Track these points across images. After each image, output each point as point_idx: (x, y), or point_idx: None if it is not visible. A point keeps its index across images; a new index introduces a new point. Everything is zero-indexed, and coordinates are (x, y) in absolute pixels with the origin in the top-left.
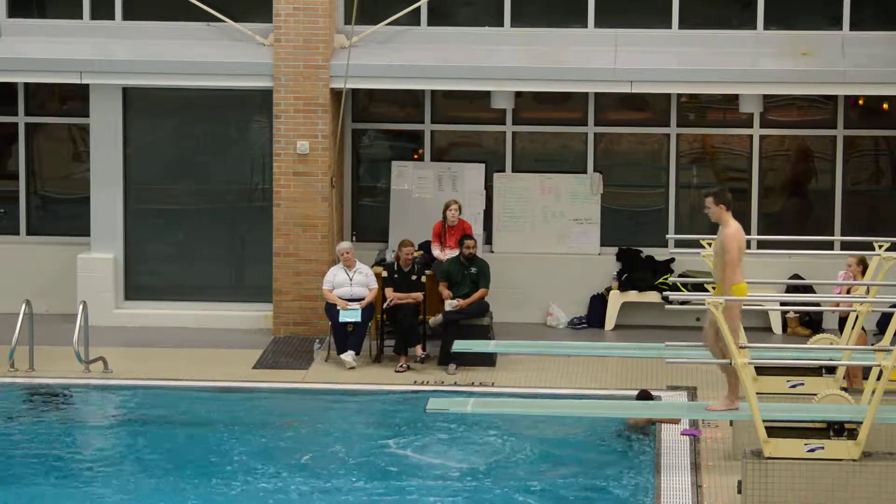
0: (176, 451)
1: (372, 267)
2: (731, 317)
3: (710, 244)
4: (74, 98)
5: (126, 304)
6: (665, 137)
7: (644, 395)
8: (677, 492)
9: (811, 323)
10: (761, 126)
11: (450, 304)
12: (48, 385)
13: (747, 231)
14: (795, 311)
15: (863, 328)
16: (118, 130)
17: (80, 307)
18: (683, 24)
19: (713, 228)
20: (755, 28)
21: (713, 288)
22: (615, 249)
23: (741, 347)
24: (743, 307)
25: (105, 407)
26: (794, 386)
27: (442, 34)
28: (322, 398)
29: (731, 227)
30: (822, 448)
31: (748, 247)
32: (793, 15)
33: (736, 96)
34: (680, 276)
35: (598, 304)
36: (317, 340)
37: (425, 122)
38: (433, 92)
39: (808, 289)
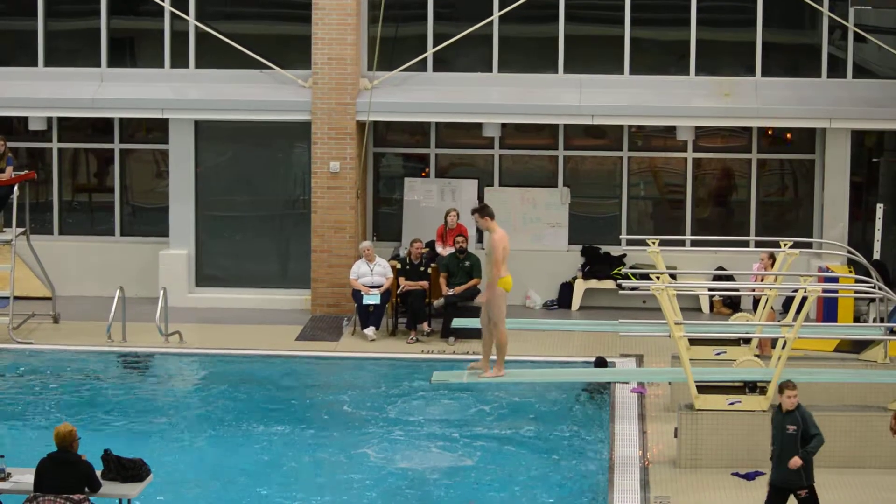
0: (235, 404)
1: (388, 260)
2: (501, 304)
3: (654, 242)
4: (157, 129)
5: (197, 289)
6: (619, 159)
7: (600, 361)
8: (627, 437)
9: (732, 304)
10: (694, 150)
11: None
12: (136, 353)
13: (683, 232)
14: (720, 295)
15: (772, 308)
16: (191, 154)
17: (161, 292)
18: (633, 71)
19: (657, 230)
20: (688, 74)
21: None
22: (580, 247)
23: (677, 323)
24: (677, 292)
25: (180, 370)
26: (718, 354)
27: (444, 78)
28: (349, 363)
29: (498, 232)
30: (740, 402)
31: (683, 245)
32: (717, 64)
33: (674, 127)
34: (630, 268)
35: (567, 289)
36: (345, 318)
37: (431, 147)
38: (437, 123)
39: (730, 277)
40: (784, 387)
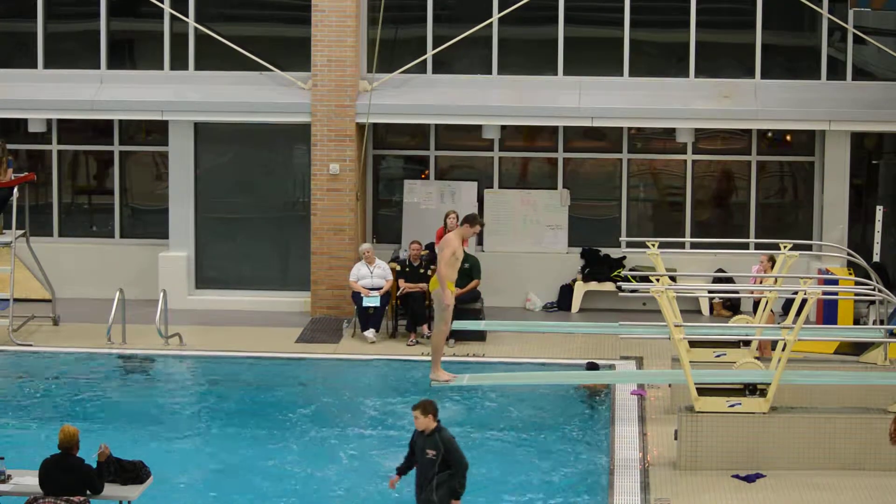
0: (235, 406)
1: (388, 263)
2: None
3: (654, 244)
4: (157, 131)
5: (196, 292)
6: (618, 161)
7: (591, 366)
8: (628, 439)
9: (732, 306)
10: (693, 153)
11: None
12: (137, 355)
13: (683, 235)
14: (720, 297)
15: (771, 310)
16: (190, 156)
17: (161, 294)
18: (633, 73)
19: (657, 232)
20: (688, 76)
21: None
22: (579, 249)
23: (677, 325)
24: (677, 294)
25: (180, 372)
26: (718, 356)
27: (443, 80)
28: (350, 366)
29: None
30: (740, 404)
31: (683, 247)
32: (717, 66)
33: (673, 129)
34: (630, 270)
35: (566, 292)
36: (345, 321)
37: (430, 149)
38: (437, 125)
39: (730, 280)
40: (413, 408)
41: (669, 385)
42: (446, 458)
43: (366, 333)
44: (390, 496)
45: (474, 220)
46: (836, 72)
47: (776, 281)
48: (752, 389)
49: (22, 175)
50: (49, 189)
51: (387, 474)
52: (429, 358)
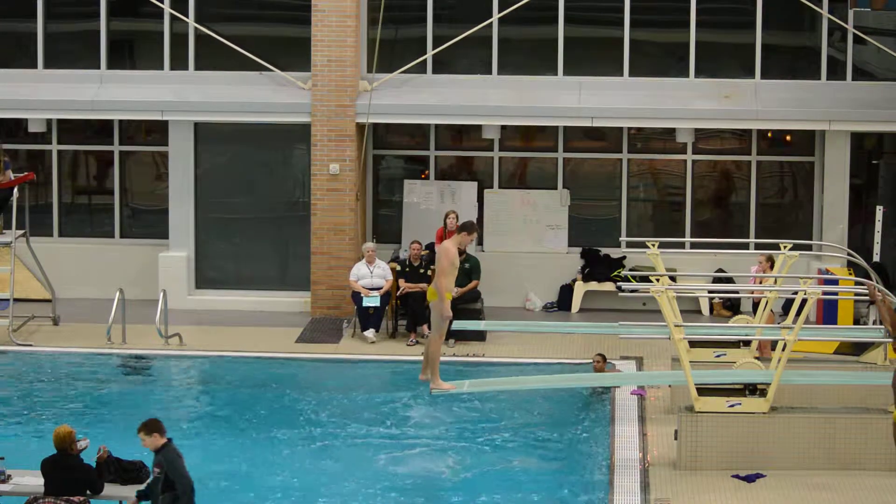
0: (235, 406)
1: (388, 263)
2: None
3: (654, 244)
4: (157, 131)
5: (196, 292)
6: (618, 161)
7: (601, 357)
8: (628, 439)
9: (732, 306)
10: (693, 153)
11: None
12: (136, 355)
13: (683, 235)
14: (720, 297)
15: (771, 310)
16: (190, 156)
17: (161, 294)
18: (633, 73)
19: (657, 232)
20: (688, 76)
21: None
22: (579, 249)
23: (677, 325)
24: (677, 294)
25: (180, 372)
26: (718, 356)
27: (443, 80)
28: (350, 365)
29: None
30: (740, 404)
31: (683, 247)
32: (717, 66)
33: (673, 129)
34: (630, 270)
35: (566, 292)
36: (345, 320)
37: (430, 149)
38: (437, 125)
39: (730, 280)
40: (137, 431)
41: (669, 385)
42: (169, 476)
43: (366, 333)
44: (389, 497)
45: (472, 228)
46: (836, 72)
47: (776, 281)
48: (752, 389)
49: (22, 175)
50: (49, 189)
51: (386, 475)
52: None
